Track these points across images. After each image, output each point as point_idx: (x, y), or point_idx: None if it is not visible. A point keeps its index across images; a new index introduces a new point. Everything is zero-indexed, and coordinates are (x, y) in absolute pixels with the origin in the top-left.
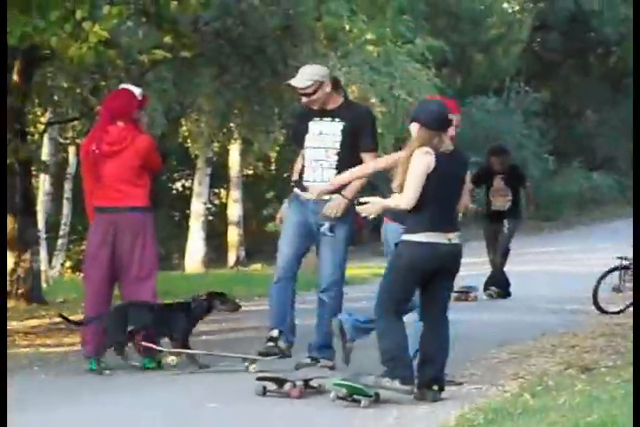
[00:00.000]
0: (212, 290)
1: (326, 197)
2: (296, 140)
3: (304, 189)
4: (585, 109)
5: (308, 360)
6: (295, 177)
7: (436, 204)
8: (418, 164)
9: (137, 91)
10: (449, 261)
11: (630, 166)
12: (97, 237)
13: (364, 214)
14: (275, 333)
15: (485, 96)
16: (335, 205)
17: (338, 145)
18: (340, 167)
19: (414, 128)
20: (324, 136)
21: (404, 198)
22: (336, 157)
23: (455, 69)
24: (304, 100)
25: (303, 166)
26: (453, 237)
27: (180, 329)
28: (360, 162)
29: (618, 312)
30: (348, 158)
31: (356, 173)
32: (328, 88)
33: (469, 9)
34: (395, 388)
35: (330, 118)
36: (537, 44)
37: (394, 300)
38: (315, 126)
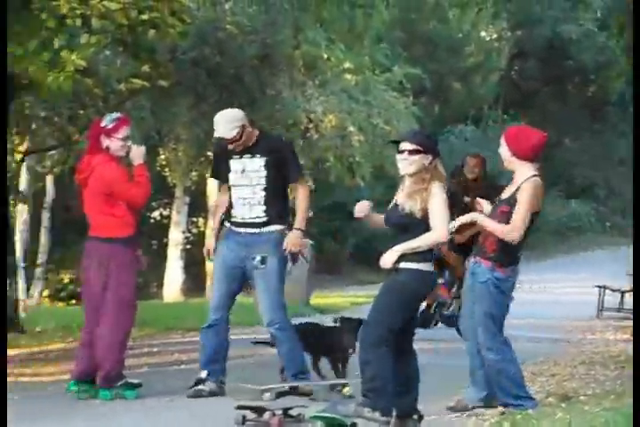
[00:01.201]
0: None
1: (257, 230)
2: (218, 177)
3: (237, 225)
4: (564, 138)
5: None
6: (220, 212)
7: None
8: (442, 196)
9: (107, 118)
10: (430, 291)
11: (609, 194)
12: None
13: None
14: (203, 374)
15: (464, 124)
16: (296, 240)
17: (264, 181)
18: (268, 203)
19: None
20: (248, 173)
21: (441, 233)
22: (263, 193)
23: (433, 98)
24: (231, 146)
25: (230, 202)
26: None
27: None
28: (284, 193)
29: None
30: (273, 192)
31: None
32: (249, 128)
33: (447, 37)
34: (375, 419)
35: (249, 155)
36: (515, 72)
37: (392, 330)
38: (236, 164)
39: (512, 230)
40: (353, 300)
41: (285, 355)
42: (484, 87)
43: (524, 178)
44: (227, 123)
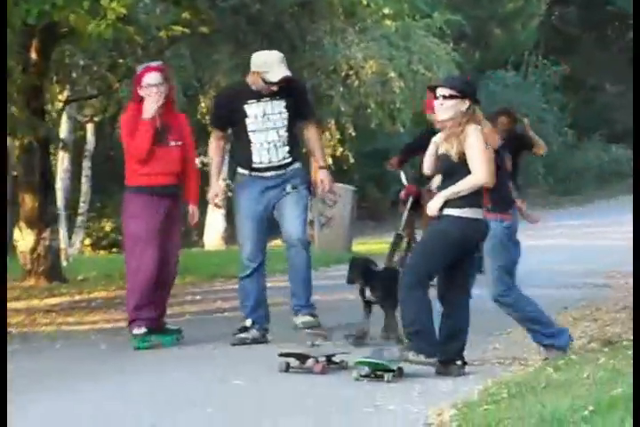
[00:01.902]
0: None
1: (283, 171)
2: (223, 123)
3: (262, 170)
4: (604, 82)
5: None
6: (218, 160)
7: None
8: (478, 138)
9: (139, 67)
10: (482, 239)
11: None
12: None
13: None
14: (248, 322)
15: (504, 70)
16: (329, 177)
17: (286, 122)
18: (290, 143)
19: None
20: (270, 116)
21: (481, 175)
22: (286, 134)
23: (473, 43)
24: (274, 88)
25: (245, 149)
26: (484, 214)
27: None
28: (296, 132)
29: None
30: (292, 132)
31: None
32: None
33: None
34: (420, 361)
35: (268, 98)
36: (555, 17)
37: (429, 273)
38: (254, 109)
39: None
40: None
41: (296, 286)
42: (524, 33)
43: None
44: (282, 63)
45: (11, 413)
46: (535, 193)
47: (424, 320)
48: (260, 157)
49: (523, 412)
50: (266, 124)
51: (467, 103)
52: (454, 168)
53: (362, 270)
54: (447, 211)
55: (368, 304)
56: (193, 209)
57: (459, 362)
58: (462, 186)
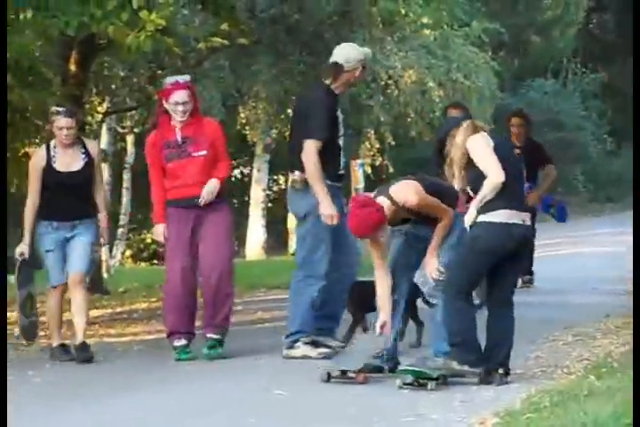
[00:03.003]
0: None
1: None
2: (331, 132)
3: (338, 178)
4: None
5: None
6: (317, 169)
7: (509, 183)
8: (479, 144)
9: (167, 80)
10: (522, 244)
11: None
12: None
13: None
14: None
15: (543, 78)
16: None
17: None
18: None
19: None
20: (341, 122)
21: (495, 175)
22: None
23: (512, 52)
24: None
25: (335, 158)
26: (526, 219)
27: None
28: None
29: None
30: None
31: None
32: None
33: None
34: (463, 371)
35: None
36: (593, 25)
37: (468, 282)
38: (338, 114)
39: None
40: None
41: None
42: (562, 40)
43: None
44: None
45: (50, 423)
46: (575, 200)
47: (467, 331)
48: (338, 164)
49: (565, 420)
50: (342, 129)
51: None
52: (478, 178)
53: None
54: (479, 217)
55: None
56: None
57: (501, 371)
58: (483, 191)
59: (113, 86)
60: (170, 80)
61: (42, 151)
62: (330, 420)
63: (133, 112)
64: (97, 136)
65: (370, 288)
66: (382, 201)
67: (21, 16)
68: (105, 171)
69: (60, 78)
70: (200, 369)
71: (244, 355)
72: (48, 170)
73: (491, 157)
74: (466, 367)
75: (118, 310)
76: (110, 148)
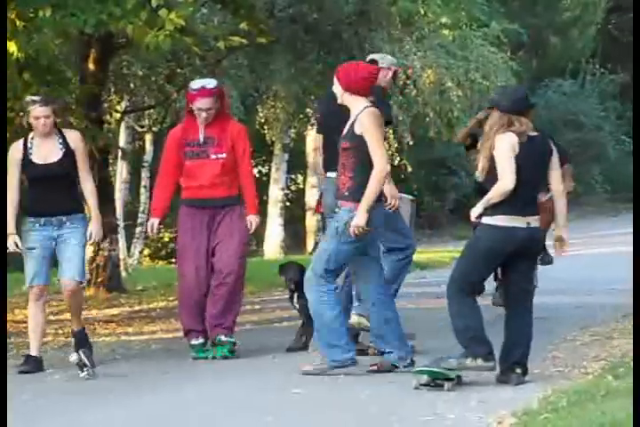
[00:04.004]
0: None
1: None
2: None
3: None
4: None
5: None
6: None
7: (517, 188)
8: (504, 146)
9: (194, 82)
10: (527, 245)
11: None
12: None
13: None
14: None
15: (561, 78)
16: None
17: None
18: None
19: (494, 114)
20: None
21: (507, 181)
22: None
23: (531, 52)
24: None
25: None
26: (532, 221)
27: None
28: None
29: None
30: None
31: None
32: None
33: None
34: (479, 366)
35: None
36: (612, 25)
37: (468, 282)
38: None
39: (381, 166)
40: (453, 255)
41: None
42: (581, 41)
43: (358, 111)
44: None
45: (66, 421)
46: (593, 201)
47: (474, 326)
48: None
49: (582, 420)
50: None
51: (495, 114)
52: (493, 177)
53: (292, 277)
54: (483, 219)
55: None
56: (251, 218)
57: (519, 370)
58: (491, 193)
59: (131, 85)
60: (195, 85)
61: (19, 144)
62: (347, 419)
63: (152, 111)
64: (115, 135)
65: None
66: None
67: (40, 14)
68: (123, 169)
69: (79, 77)
70: (217, 367)
71: (261, 353)
72: (25, 163)
73: (508, 161)
74: (480, 362)
75: (136, 308)
76: (128, 146)
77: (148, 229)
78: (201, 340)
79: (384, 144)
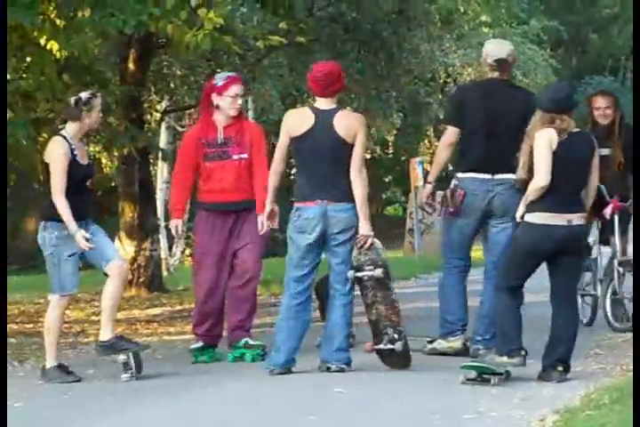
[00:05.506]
0: None
1: None
2: None
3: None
4: None
5: None
6: None
7: (557, 185)
8: (541, 142)
9: (218, 76)
10: (567, 244)
11: None
12: None
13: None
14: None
15: (601, 76)
16: None
17: None
18: None
19: (537, 113)
20: None
21: (540, 177)
22: None
23: (570, 49)
24: None
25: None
26: (574, 219)
27: None
28: None
29: None
30: None
31: None
32: None
33: None
34: (503, 362)
35: None
36: None
37: (509, 279)
38: None
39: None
40: None
41: None
42: (621, 38)
43: None
44: None
45: (108, 420)
46: None
47: (506, 322)
48: None
49: (624, 417)
50: None
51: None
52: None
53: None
54: (525, 216)
55: None
56: (261, 220)
57: (561, 367)
58: (528, 192)
59: (171, 85)
60: (222, 75)
61: (65, 143)
62: (389, 417)
63: (192, 111)
64: (156, 135)
65: None
66: None
67: (79, 15)
68: (164, 169)
69: (119, 77)
70: (257, 368)
71: (299, 353)
72: (73, 163)
73: (544, 158)
74: (505, 359)
75: (178, 308)
76: (169, 146)
77: (173, 231)
78: (200, 343)
79: None
